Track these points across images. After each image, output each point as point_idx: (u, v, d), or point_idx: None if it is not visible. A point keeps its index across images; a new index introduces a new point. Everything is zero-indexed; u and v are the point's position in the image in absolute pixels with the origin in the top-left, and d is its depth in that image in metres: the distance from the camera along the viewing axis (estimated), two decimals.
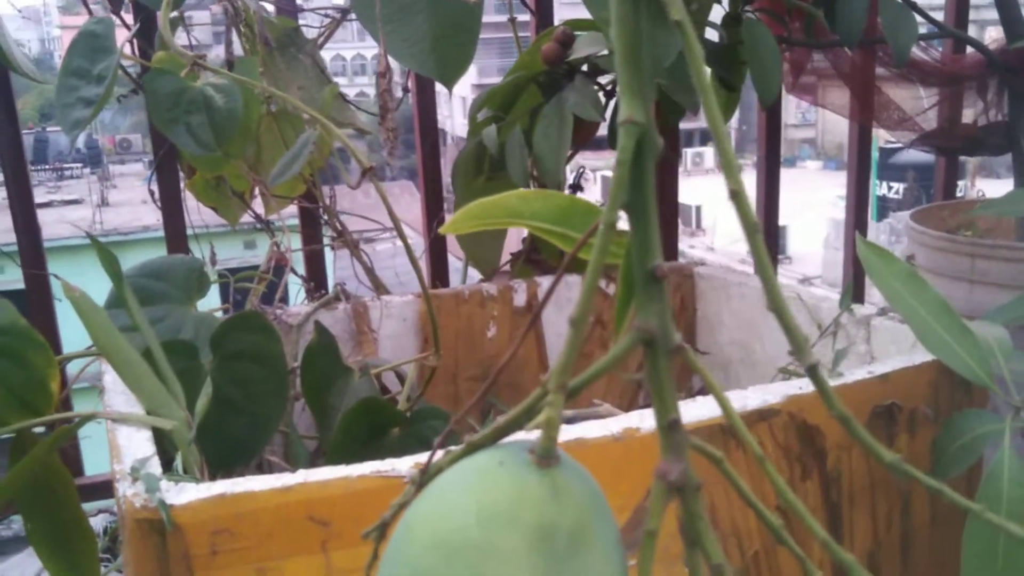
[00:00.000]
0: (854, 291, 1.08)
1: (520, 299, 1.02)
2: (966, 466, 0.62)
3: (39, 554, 0.78)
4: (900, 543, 0.73)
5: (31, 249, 1.06)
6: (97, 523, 1.09)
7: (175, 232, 1.13)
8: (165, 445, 0.65)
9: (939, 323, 0.54)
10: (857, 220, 1.45)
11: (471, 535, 0.24)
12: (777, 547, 0.67)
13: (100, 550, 1.07)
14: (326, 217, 1.00)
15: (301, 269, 1.14)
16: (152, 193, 1.15)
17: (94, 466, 1.21)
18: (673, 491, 0.27)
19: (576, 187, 1.13)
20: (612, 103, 1.06)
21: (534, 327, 1.03)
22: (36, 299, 1.02)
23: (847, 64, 1.20)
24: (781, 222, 1.53)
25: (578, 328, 0.26)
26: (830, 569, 0.69)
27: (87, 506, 0.93)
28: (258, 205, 1.16)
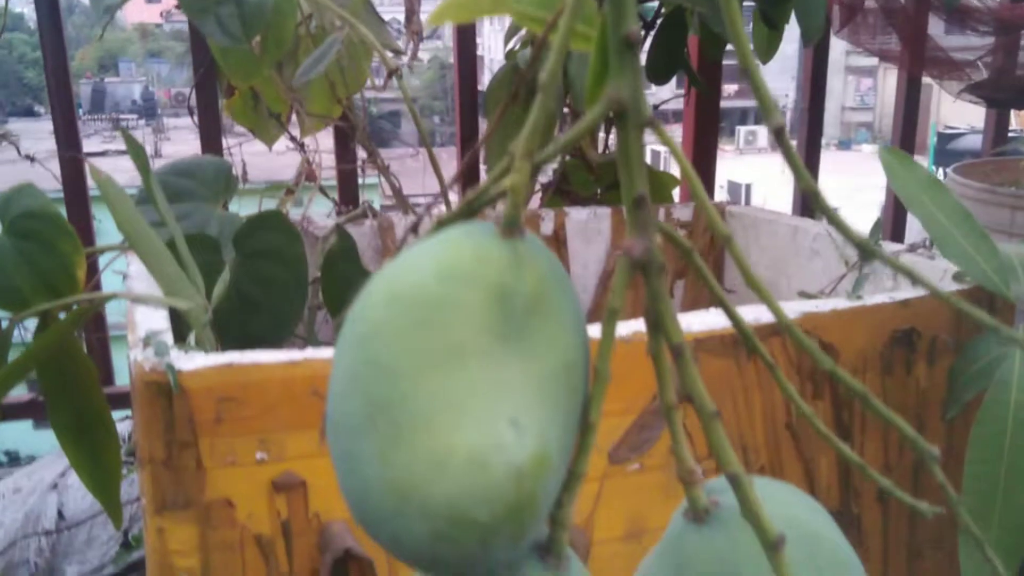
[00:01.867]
0: (893, 235, 1.06)
1: (547, 228, 1.02)
2: (981, 389, 0.61)
3: (61, 441, 0.80)
4: (911, 473, 0.72)
5: (66, 131, 1.05)
6: (123, 428, 1.12)
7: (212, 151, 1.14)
8: (182, 329, 0.66)
9: (958, 230, 0.52)
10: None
11: (428, 289, 0.24)
12: (783, 461, 0.67)
13: (124, 453, 1.10)
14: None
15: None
16: (191, 111, 1.17)
17: (124, 378, 1.24)
18: (637, 267, 0.27)
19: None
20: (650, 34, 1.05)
21: (560, 257, 1.02)
22: (72, 194, 1.04)
23: (899, 10, 1.18)
24: (833, 204, 1.50)
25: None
26: (837, 489, 0.69)
27: (115, 415, 0.95)
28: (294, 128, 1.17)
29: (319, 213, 0.98)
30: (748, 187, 17.50)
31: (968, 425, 0.66)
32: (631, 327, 0.61)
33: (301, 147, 1.13)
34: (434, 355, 0.24)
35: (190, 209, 0.79)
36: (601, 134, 1.18)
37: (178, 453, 0.53)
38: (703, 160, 1.27)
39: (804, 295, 0.76)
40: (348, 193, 1.11)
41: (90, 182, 1.11)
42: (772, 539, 0.25)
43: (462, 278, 0.24)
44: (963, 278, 0.71)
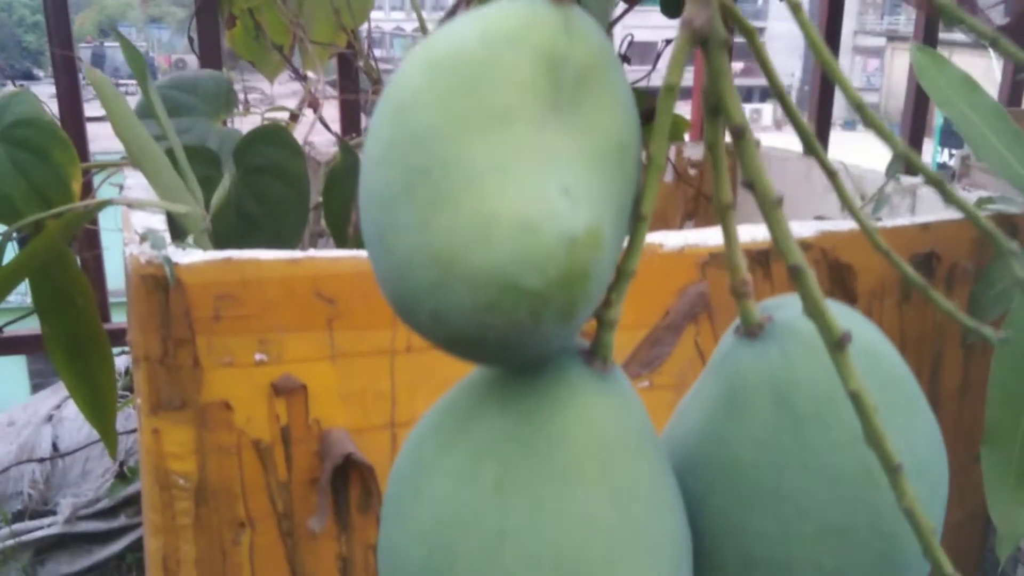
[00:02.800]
0: (912, 129, 1.04)
1: None
2: (1001, 313, 0.59)
3: (55, 361, 0.78)
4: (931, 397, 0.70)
5: (61, 39, 1.02)
6: (120, 363, 1.10)
7: None
8: (180, 237, 0.64)
9: (991, 128, 0.50)
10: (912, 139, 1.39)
11: (472, 53, 0.22)
12: None
13: (120, 388, 1.08)
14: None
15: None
16: (191, 40, 1.14)
17: (121, 315, 1.22)
18: (696, 40, 0.24)
19: (624, 58, 1.09)
20: None
21: None
22: (67, 105, 1.01)
23: None
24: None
25: None
26: None
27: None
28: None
29: (323, 141, 0.96)
30: None
31: (987, 354, 0.64)
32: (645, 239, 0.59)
33: (303, 78, 1.10)
34: (478, 119, 0.21)
35: (189, 124, 0.76)
36: None
37: (174, 351, 0.51)
38: None
39: (820, 218, 0.74)
40: (350, 124, 1.09)
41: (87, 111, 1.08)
42: (836, 337, 0.24)
43: (509, 40, 0.22)
44: (986, 204, 0.69)
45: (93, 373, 0.79)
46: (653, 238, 0.60)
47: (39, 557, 0.96)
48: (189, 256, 0.51)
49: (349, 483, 0.57)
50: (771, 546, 0.26)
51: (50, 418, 1.04)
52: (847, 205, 0.27)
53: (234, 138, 0.75)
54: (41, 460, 0.98)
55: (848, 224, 0.65)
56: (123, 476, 1.01)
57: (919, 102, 1.31)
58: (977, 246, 0.69)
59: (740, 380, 0.27)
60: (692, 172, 1.02)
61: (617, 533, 0.24)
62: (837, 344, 0.24)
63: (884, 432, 0.23)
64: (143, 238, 0.53)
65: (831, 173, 0.26)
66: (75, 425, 1.03)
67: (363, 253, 0.54)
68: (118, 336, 1.16)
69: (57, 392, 1.12)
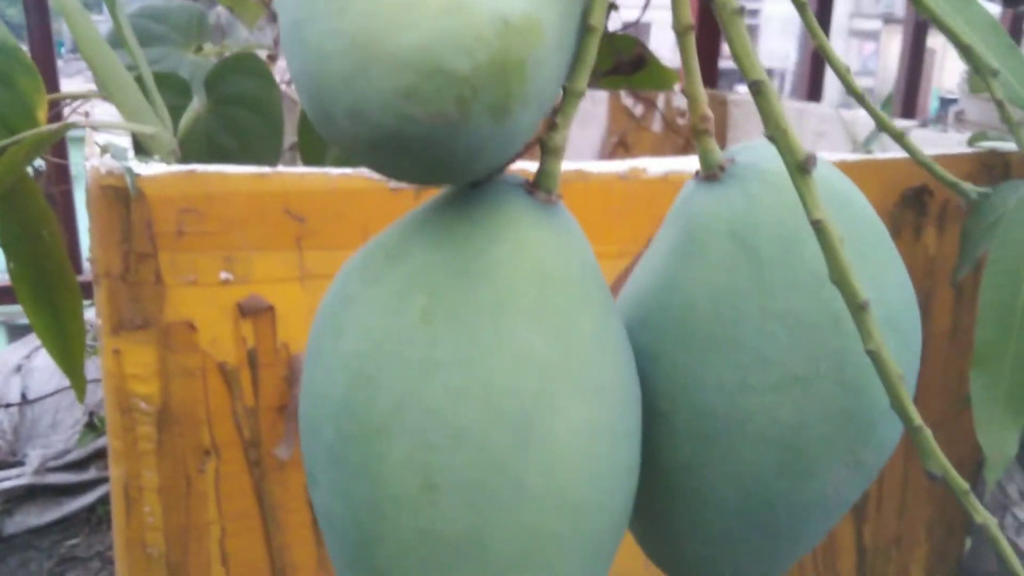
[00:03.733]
0: (904, 113, 1.02)
1: None
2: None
3: (22, 300, 0.76)
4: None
5: (44, 67, 1.01)
6: (91, 315, 1.07)
7: None
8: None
9: (985, 41, 0.49)
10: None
11: None
12: None
13: (89, 339, 1.05)
14: None
15: None
16: None
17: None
18: None
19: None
20: None
21: None
22: (37, 36, 0.98)
23: None
24: None
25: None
26: None
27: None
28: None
29: None
30: None
31: (976, 296, 0.63)
32: (628, 164, 0.57)
33: None
34: None
35: (161, 54, 0.74)
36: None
37: (136, 266, 0.49)
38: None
39: None
40: None
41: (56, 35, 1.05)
42: (800, 158, 0.22)
43: None
44: (979, 141, 0.68)
45: (60, 311, 0.77)
46: (637, 163, 0.58)
47: (7, 508, 0.94)
48: (152, 168, 0.49)
49: None
50: (727, 399, 0.24)
51: (19, 368, 1.02)
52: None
53: (206, 69, 0.73)
54: (8, 406, 0.95)
55: (838, 155, 0.63)
56: (93, 426, 0.98)
57: (911, 86, 1.29)
58: (971, 181, 0.67)
59: (697, 225, 0.25)
60: (681, 122, 1.00)
61: (554, 370, 0.22)
62: (800, 167, 0.22)
63: (850, 266, 0.22)
64: (104, 149, 0.51)
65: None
66: (44, 375, 1.00)
67: (335, 170, 0.52)
68: (90, 290, 1.14)
69: (28, 343, 1.09)
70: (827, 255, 0.22)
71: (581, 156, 1.01)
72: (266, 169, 0.51)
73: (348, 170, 0.52)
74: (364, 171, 0.52)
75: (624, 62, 1.00)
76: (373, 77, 0.19)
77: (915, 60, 1.42)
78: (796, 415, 0.24)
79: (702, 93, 0.25)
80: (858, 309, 0.22)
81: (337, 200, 0.51)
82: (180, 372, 0.51)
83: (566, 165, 0.56)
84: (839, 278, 0.22)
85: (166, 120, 0.64)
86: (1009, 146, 0.67)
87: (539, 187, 0.24)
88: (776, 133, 0.22)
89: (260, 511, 0.55)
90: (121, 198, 0.48)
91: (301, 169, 0.51)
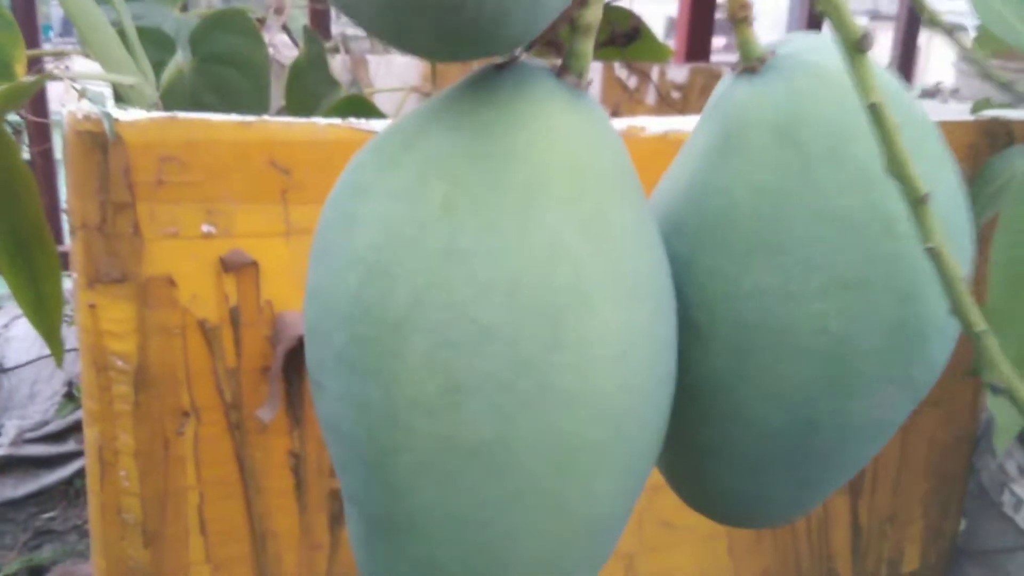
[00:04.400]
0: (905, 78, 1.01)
1: None
2: (998, 211, 0.55)
3: None
4: None
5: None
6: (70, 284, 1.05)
7: None
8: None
9: None
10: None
11: None
12: None
13: (68, 311, 1.03)
14: None
15: None
16: None
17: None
18: None
19: None
20: None
21: None
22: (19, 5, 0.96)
23: None
24: None
25: None
26: None
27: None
28: None
29: (289, 46, 0.91)
30: None
31: (982, 261, 0.61)
32: (627, 122, 0.56)
33: None
34: None
35: (144, 10, 0.72)
36: None
37: (113, 217, 0.47)
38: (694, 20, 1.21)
39: None
40: (315, 36, 1.04)
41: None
42: (855, 37, 0.20)
43: None
44: (983, 109, 0.66)
45: (37, 272, 0.74)
46: (635, 122, 0.56)
47: None
48: (131, 114, 0.47)
49: (303, 373, 0.53)
50: (770, 307, 0.22)
51: None
52: None
53: (191, 25, 0.71)
54: None
55: None
56: (71, 397, 0.96)
57: (902, 77, 1.29)
58: (972, 151, 0.66)
59: (737, 121, 0.23)
60: (675, 95, 0.99)
61: (589, 266, 0.20)
62: (856, 45, 0.20)
63: (909, 156, 0.20)
64: (81, 94, 0.48)
65: None
66: (24, 345, 0.98)
67: (322, 121, 0.50)
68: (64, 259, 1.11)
69: (7, 312, 1.07)
70: (884, 143, 0.20)
71: None
72: (251, 118, 0.49)
73: (336, 120, 0.50)
74: (352, 121, 0.50)
75: (619, 34, 0.99)
76: None
77: (906, 56, 1.42)
78: (844, 325, 0.22)
79: None
80: (917, 203, 0.20)
81: (324, 152, 0.49)
82: (158, 329, 0.49)
83: None
84: (897, 169, 0.20)
85: (148, 74, 0.62)
86: (1013, 114, 0.66)
87: (569, 70, 0.22)
88: (828, 8, 0.20)
89: (241, 476, 0.53)
90: (98, 144, 0.46)
91: (287, 119, 0.49)
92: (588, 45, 0.22)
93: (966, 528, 0.77)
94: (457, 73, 0.91)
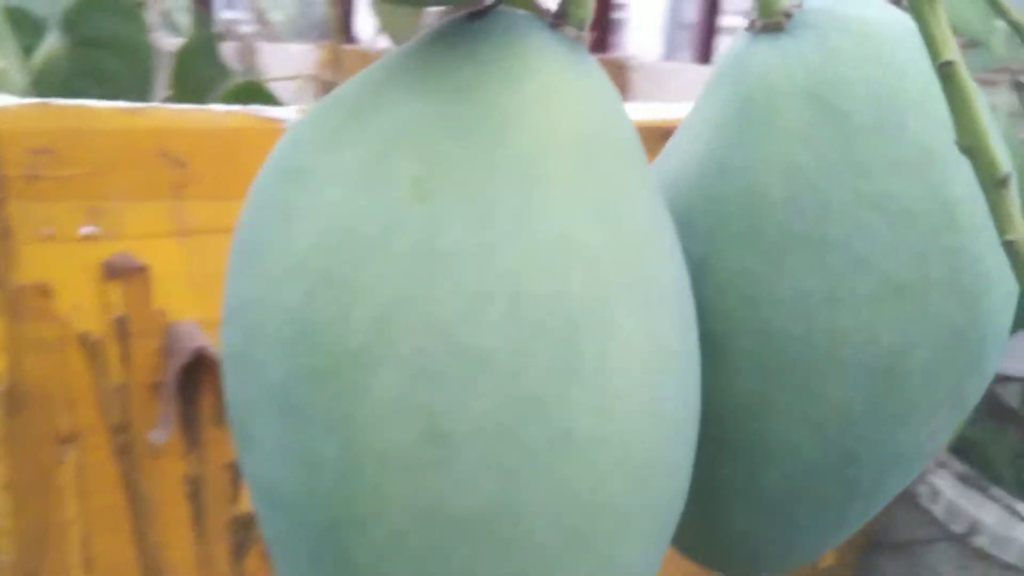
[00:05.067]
0: None
1: None
2: None
3: None
4: None
5: None
6: None
7: None
8: None
9: None
10: None
11: None
12: None
13: None
14: None
15: None
16: None
17: None
18: None
19: None
20: None
21: None
22: None
23: None
24: None
25: None
26: None
27: None
28: None
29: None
30: None
31: None
32: None
33: None
34: None
35: None
36: None
37: None
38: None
39: None
40: (204, 18, 0.97)
41: None
42: None
43: None
44: None
45: None
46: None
47: None
48: None
49: (200, 390, 0.47)
50: (809, 316, 0.18)
51: None
52: None
53: (63, 6, 0.64)
54: None
55: None
56: None
57: None
58: None
59: (761, 88, 0.19)
60: None
61: (606, 267, 0.16)
62: None
63: (988, 125, 0.17)
64: None
65: None
66: None
67: (220, 107, 0.45)
68: None
69: None
70: (957, 112, 0.16)
71: None
72: (139, 104, 0.43)
73: (235, 107, 0.45)
74: (253, 108, 0.45)
75: None
76: None
77: None
78: (897, 336, 0.18)
79: None
80: (996, 185, 0.16)
81: (222, 142, 0.44)
82: (33, 345, 0.43)
83: None
84: (973, 142, 0.16)
85: (16, 57, 0.55)
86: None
87: (566, 19, 0.18)
88: None
89: (131, 506, 0.48)
90: None
91: (180, 106, 0.44)
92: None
93: (882, 520, 0.76)
94: (359, 64, 0.86)
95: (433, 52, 0.17)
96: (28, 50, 0.61)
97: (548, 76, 0.17)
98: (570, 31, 0.18)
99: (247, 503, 0.50)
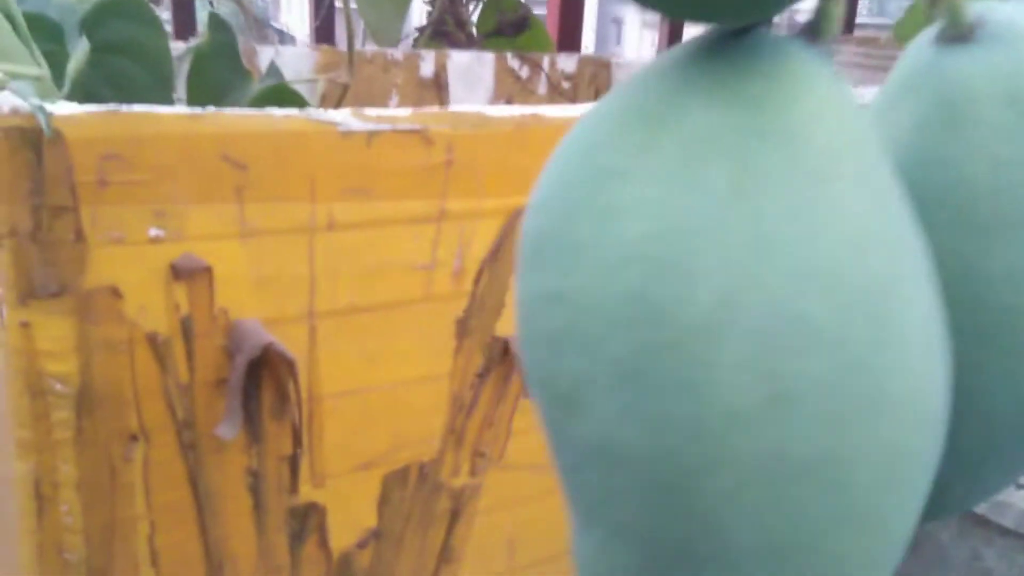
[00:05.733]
0: None
1: (427, 69, 0.93)
2: None
3: None
4: None
5: None
6: None
7: None
8: None
9: None
10: None
11: None
12: None
13: None
14: None
15: None
16: None
17: None
18: None
19: None
20: None
21: (440, 102, 0.94)
22: None
23: None
24: None
25: None
26: None
27: None
28: None
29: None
30: None
31: None
32: (584, 107, 0.55)
33: None
34: None
35: None
36: None
37: (50, 223, 0.42)
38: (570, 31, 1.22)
39: None
40: (185, 27, 0.97)
41: None
42: None
43: None
44: None
45: None
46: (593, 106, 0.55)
47: None
48: (67, 107, 0.42)
49: (261, 385, 0.49)
50: (1019, 286, 0.22)
51: None
52: None
53: (77, 12, 0.64)
54: None
55: None
56: None
57: None
58: None
59: (960, 91, 0.22)
60: (566, 85, 0.99)
61: (894, 248, 0.19)
62: None
63: None
64: (0, 85, 0.43)
65: None
66: None
67: (277, 111, 0.46)
68: None
69: None
70: None
71: None
72: (200, 110, 0.44)
73: (293, 111, 0.46)
74: (311, 112, 0.47)
75: (507, 23, 0.98)
76: None
77: None
78: None
79: None
80: None
81: (281, 145, 0.46)
82: (102, 346, 0.45)
83: (519, 109, 0.52)
84: None
85: (44, 66, 0.56)
86: None
87: (819, 35, 0.21)
88: None
89: (195, 500, 0.49)
90: (29, 142, 0.41)
91: (241, 110, 0.45)
92: (838, 6, 0.21)
93: None
94: (365, 66, 0.88)
95: (708, 67, 0.20)
96: (49, 56, 0.61)
97: (822, 89, 0.19)
98: (825, 44, 0.20)
99: (305, 494, 0.52)
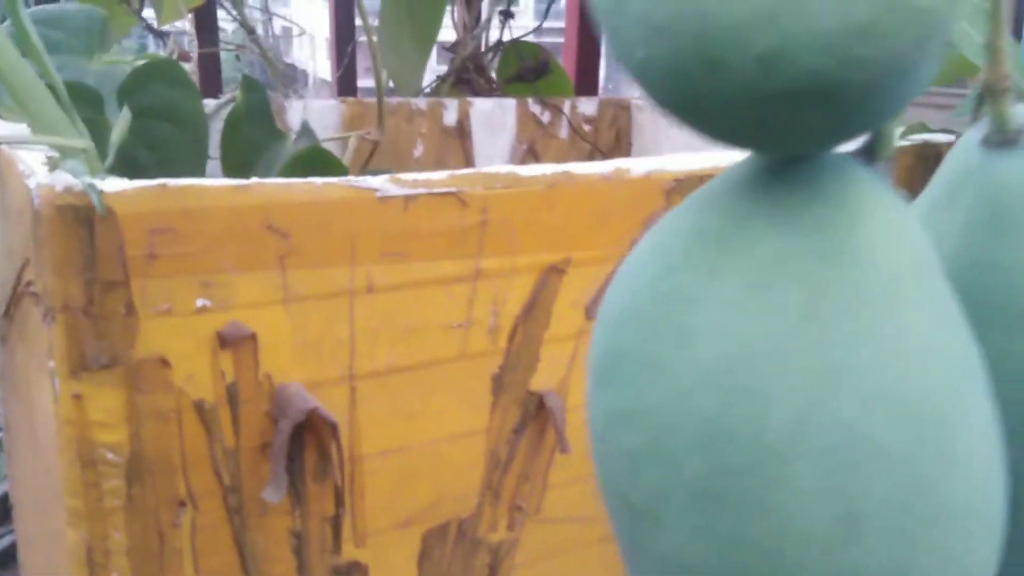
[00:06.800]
0: None
1: (451, 117, 0.94)
2: None
3: None
4: None
5: None
6: None
7: None
8: None
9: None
10: None
11: None
12: None
13: None
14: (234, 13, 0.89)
15: None
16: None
17: None
18: None
19: (507, 14, 1.05)
20: None
21: (464, 149, 0.95)
22: None
23: None
24: None
25: None
26: None
27: None
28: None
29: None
30: None
31: None
32: (612, 164, 0.55)
33: (161, 36, 1.00)
34: None
35: (61, 63, 0.66)
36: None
37: (101, 297, 0.43)
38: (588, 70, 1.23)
39: None
40: (210, 83, 0.99)
41: None
42: None
43: None
44: (914, 133, 0.70)
45: None
46: (621, 163, 0.56)
47: None
48: (116, 183, 0.43)
49: (303, 448, 0.50)
50: None
51: None
52: None
53: (114, 78, 0.66)
54: None
55: None
56: None
57: None
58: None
59: (1006, 194, 0.23)
60: (587, 128, 1.00)
61: (955, 365, 0.19)
62: None
63: None
64: (53, 164, 0.44)
65: None
66: None
67: (318, 180, 0.47)
68: None
69: None
70: None
71: (491, 160, 0.98)
72: (244, 181, 0.46)
73: (333, 179, 0.47)
74: (350, 179, 0.48)
75: (528, 68, 0.99)
76: (811, 11, 0.16)
77: None
78: None
79: (1007, 46, 0.23)
80: None
81: (322, 212, 0.47)
82: (151, 415, 0.45)
83: (553, 168, 0.53)
84: None
85: (86, 135, 0.57)
86: (942, 138, 0.70)
87: (877, 155, 0.21)
88: None
89: (241, 563, 0.50)
90: (81, 219, 0.42)
91: (284, 180, 0.46)
92: (893, 128, 0.21)
93: None
94: (391, 117, 0.89)
95: (770, 189, 0.21)
96: (88, 123, 0.63)
97: (883, 210, 0.20)
98: (881, 165, 0.21)
99: (347, 553, 0.52)
